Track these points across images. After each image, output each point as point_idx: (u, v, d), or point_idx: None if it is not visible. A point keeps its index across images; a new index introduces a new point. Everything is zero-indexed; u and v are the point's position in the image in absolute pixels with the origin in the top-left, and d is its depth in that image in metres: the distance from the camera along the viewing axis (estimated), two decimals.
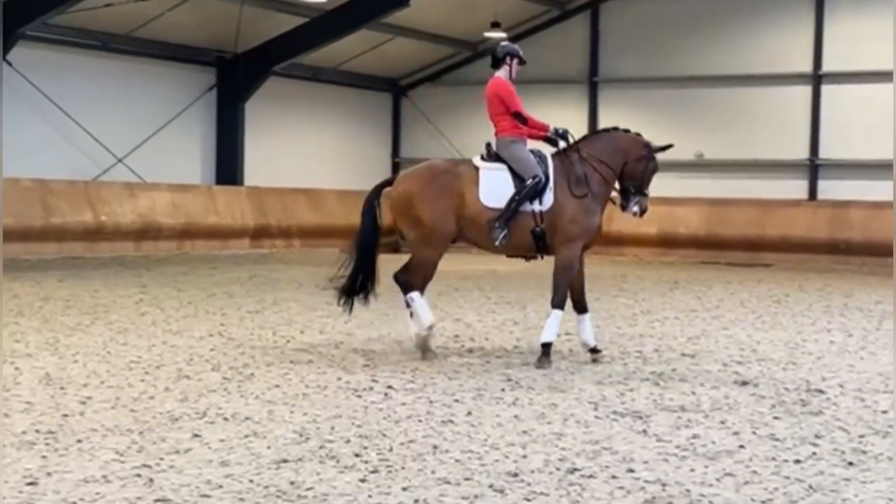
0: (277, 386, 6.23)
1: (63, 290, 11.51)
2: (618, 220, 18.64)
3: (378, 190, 7.79)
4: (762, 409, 5.80)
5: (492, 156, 7.67)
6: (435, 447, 4.78)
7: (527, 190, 7.38)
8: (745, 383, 6.60)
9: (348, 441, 4.86)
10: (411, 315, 7.47)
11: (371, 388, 6.20)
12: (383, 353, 7.60)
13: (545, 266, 7.91)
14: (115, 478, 4.22)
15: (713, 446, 4.91)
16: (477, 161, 7.71)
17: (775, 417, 5.60)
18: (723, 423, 5.44)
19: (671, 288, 13.60)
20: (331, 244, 20.74)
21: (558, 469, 4.44)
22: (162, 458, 4.52)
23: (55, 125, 17.34)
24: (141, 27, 18.25)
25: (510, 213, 7.35)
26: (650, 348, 8.09)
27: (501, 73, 7.89)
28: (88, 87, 17.88)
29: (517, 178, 7.44)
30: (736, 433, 5.20)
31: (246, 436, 4.96)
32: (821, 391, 6.36)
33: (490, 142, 7.80)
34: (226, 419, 5.32)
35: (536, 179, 7.38)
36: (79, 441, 4.80)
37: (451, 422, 5.33)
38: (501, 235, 7.36)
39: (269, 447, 4.74)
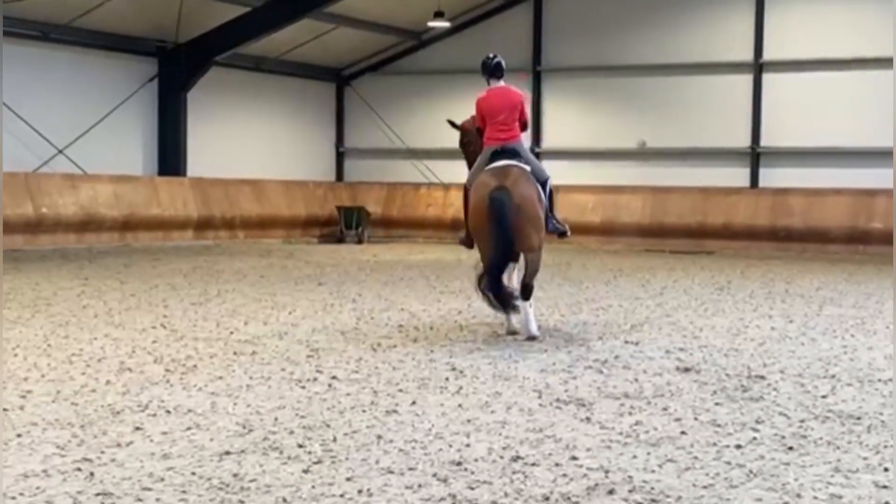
0: (220, 378, 6.18)
1: (3, 283, 11.29)
2: (563, 209, 18.74)
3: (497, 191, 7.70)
4: (704, 396, 5.88)
5: (506, 156, 7.97)
6: (379, 437, 4.78)
7: (550, 189, 8.24)
8: (687, 370, 6.68)
9: (292, 432, 4.84)
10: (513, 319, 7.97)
11: (315, 379, 6.18)
12: (327, 343, 7.57)
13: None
14: (55, 472, 4.15)
15: (655, 433, 4.96)
16: (521, 163, 7.97)
17: (717, 403, 5.67)
18: (665, 409, 5.51)
19: (615, 276, 13.72)
20: (275, 235, 20.73)
21: (502, 458, 4.46)
22: (103, 452, 4.46)
23: None
24: (81, 17, 17.89)
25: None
26: (594, 336, 8.16)
27: (510, 84, 8.46)
28: (28, 78, 17.52)
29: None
30: (678, 419, 5.26)
31: (188, 428, 4.91)
32: (762, 377, 6.46)
33: (502, 145, 8.04)
34: (168, 412, 5.26)
35: (549, 179, 8.22)
36: (19, 435, 4.72)
37: (396, 412, 5.33)
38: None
39: (211, 439, 4.70)
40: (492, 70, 8.42)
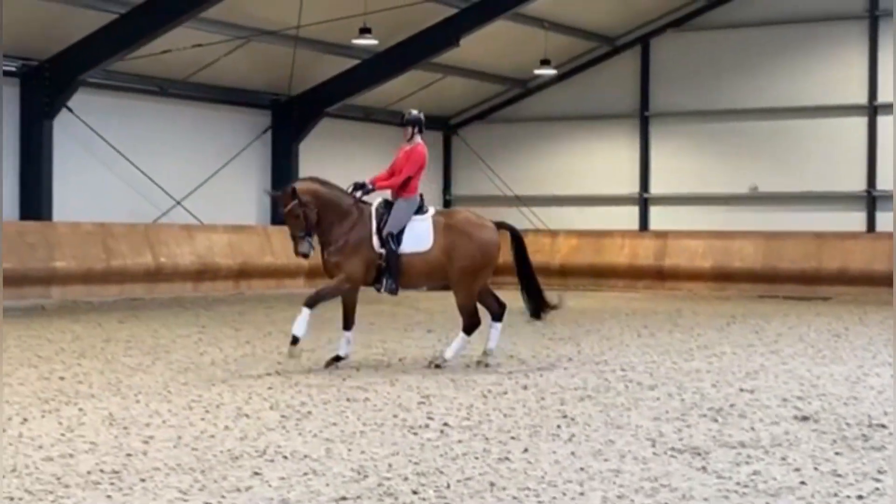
0: (335, 424, 6.28)
1: (124, 330, 11.74)
2: (672, 255, 18.65)
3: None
4: (823, 445, 5.72)
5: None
6: (492, 484, 4.79)
7: None
8: (805, 418, 6.51)
9: (406, 479, 4.89)
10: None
11: (427, 426, 6.23)
12: (437, 390, 7.63)
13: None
14: None
15: (774, 483, 4.85)
16: None
17: (837, 453, 5.51)
18: (783, 459, 5.38)
19: (728, 322, 13.45)
20: None
21: None
22: (224, 496, 4.59)
23: (115, 169, 17.76)
24: (198, 72, 18.66)
25: None
26: (708, 384, 8.01)
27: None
28: (147, 132, 18.29)
29: None
30: (797, 469, 5.13)
31: (305, 473, 5.01)
32: (883, 426, 6.25)
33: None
34: (285, 457, 5.37)
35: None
36: (142, 480, 4.88)
37: (508, 459, 5.34)
38: None
39: (327, 485, 4.79)
40: (419, 130, 9.83)
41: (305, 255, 9.04)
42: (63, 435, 5.92)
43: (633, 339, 11.19)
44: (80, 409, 6.72)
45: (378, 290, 9.12)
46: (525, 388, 7.76)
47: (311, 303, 8.78)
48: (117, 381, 8.00)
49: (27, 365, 8.81)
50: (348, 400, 7.14)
